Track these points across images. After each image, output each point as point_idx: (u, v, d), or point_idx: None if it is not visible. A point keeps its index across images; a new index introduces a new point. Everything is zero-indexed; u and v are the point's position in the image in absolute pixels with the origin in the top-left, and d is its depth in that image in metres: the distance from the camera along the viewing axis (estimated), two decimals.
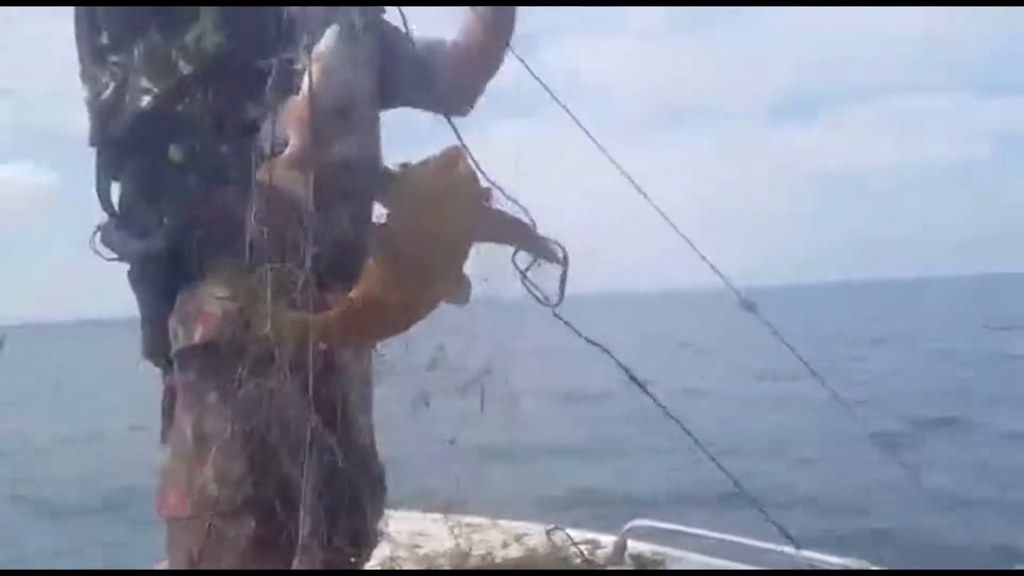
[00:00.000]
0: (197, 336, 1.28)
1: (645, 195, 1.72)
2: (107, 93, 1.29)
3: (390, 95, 1.49)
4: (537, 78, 1.58)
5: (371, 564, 1.74)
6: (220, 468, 1.25)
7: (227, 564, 1.24)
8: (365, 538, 1.64)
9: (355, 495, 1.51)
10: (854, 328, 25.50)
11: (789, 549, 1.92)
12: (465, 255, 1.20)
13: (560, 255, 1.36)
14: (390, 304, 1.17)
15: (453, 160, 1.13)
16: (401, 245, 1.14)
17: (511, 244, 1.38)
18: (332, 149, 1.15)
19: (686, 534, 2.12)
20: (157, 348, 1.35)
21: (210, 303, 1.26)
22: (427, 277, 1.17)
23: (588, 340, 1.50)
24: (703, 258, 1.67)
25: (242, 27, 1.28)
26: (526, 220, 1.30)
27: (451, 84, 1.55)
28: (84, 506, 6.90)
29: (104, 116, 1.31)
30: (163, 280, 1.33)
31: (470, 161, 1.14)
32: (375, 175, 1.24)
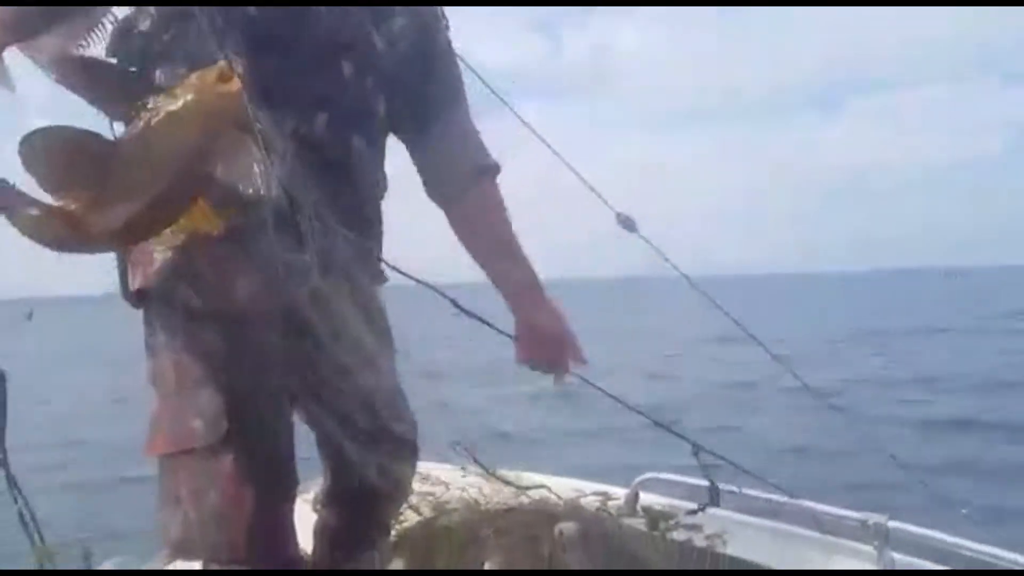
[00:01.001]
0: (139, 281, 1.33)
1: (595, 190, 1.74)
2: (130, 10, 1.34)
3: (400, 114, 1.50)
4: (483, 80, 1.58)
5: None
6: (198, 404, 1.27)
7: (210, 500, 1.26)
8: (395, 488, 1.66)
9: (344, 448, 1.53)
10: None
11: (803, 502, 1.92)
12: (199, 179, 1.09)
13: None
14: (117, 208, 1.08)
15: (226, 75, 1.02)
16: (133, 152, 1.05)
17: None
18: (41, 43, 1.10)
19: (699, 486, 2.12)
20: (126, 289, 1.38)
21: (155, 250, 1.29)
22: (153, 191, 1.07)
23: (464, 318, 1.46)
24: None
25: None
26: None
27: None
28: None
29: (119, 32, 1.34)
30: None
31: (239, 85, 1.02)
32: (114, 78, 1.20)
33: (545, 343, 1.56)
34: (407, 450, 1.64)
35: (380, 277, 1.57)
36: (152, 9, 1.33)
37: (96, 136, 1.09)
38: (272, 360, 1.33)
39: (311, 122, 1.35)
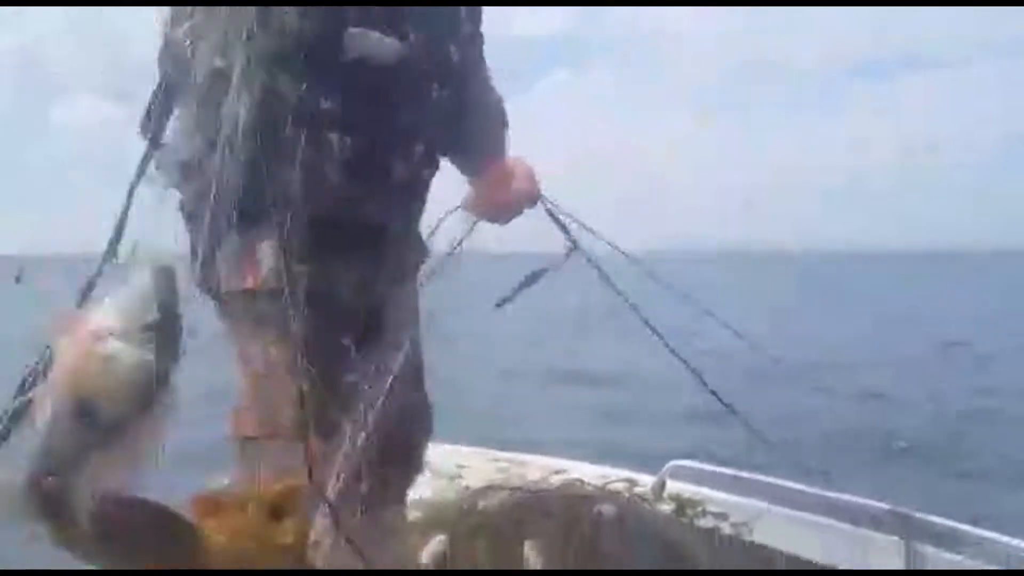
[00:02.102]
0: (247, 282, 1.36)
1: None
2: (188, 38, 1.30)
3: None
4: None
5: (415, 494, 1.80)
6: (288, 394, 1.31)
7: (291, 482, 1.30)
8: (416, 462, 1.70)
9: (403, 420, 1.58)
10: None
11: (829, 493, 1.96)
12: None
13: None
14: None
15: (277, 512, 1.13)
16: None
17: None
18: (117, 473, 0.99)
19: (725, 476, 2.17)
20: (208, 282, 1.40)
21: (261, 252, 1.33)
22: None
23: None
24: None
25: (331, 21, 1.32)
26: None
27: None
28: None
29: (181, 59, 1.31)
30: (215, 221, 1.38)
31: None
32: None
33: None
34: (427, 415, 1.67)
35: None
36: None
37: None
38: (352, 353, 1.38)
39: (410, 158, 1.41)
